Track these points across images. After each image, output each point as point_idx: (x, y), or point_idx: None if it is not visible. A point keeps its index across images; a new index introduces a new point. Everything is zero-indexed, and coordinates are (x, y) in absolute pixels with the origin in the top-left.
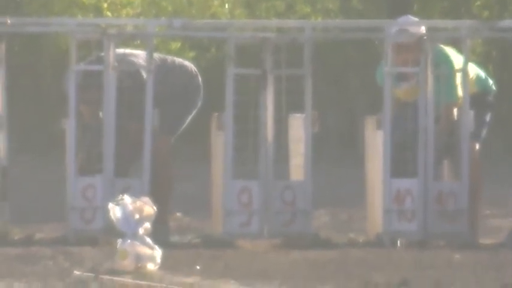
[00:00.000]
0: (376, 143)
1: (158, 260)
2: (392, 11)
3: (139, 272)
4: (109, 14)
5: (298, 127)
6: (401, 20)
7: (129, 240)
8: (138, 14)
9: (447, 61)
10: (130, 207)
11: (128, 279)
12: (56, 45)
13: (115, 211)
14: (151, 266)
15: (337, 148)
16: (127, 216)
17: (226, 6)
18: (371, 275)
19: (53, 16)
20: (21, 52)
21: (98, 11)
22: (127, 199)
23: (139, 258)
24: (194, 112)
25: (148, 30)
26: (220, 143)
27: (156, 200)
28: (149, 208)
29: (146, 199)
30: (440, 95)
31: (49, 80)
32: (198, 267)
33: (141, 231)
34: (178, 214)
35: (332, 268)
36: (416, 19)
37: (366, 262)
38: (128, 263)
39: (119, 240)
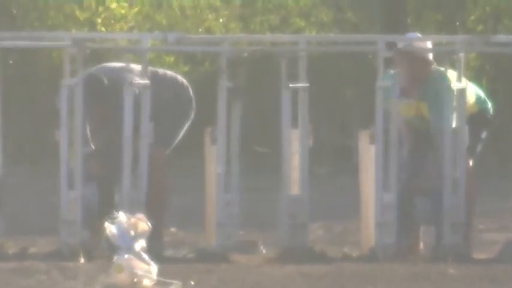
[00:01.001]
0: (369, 156)
1: (154, 276)
2: (386, 24)
3: (135, 287)
4: (103, 29)
5: (293, 141)
6: (408, 37)
7: (125, 255)
8: (132, 27)
9: (446, 85)
10: (125, 224)
11: None
12: (50, 58)
13: (111, 229)
14: (147, 282)
15: (332, 161)
16: (122, 232)
17: (221, 20)
18: None
19: (47, 30)
20: (16, 64)
21: (92, 26)
22: (122, 216)
23: (135, 274)
24: (187, 124)
25: (143, 44)
26: (214, 156)
27: (151, 214)
28: (144, 224)
29: (141, 216)
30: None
31: (43, 92)
32: (192, 282)
33: (137, 247)
34: (172, 229)
35: (326, 282)
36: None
37: (360, 276)
38: (123, 278)
39: (116, 256)
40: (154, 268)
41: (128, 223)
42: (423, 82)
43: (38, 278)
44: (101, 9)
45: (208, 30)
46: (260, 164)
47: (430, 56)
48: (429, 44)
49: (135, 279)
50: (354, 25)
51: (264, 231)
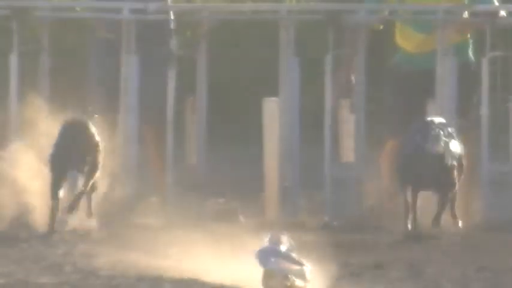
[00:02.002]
0: (349, 125)
1: (308, 276)
2: None
3: None
4: None
5: (273, 111)
6: None
7: (272, 259)
8: None
9: None
10: (266, 240)
11: None
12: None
13: (256, 255)
14: (300, 283)
15: (312, 130)
16: (265, 245)
17: None
18: (346, 258)
19: None
20: None
21: None
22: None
23: (287, 277)
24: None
25: (124, 13)
26: (195, 126)
27: None
28: (285, 239)
29: (283, 232)
30: None
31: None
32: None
33: (283, 248)
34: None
35: (306, 251)
36: None
37: (340, 245)
38: (275, 283)
39: (263, 262)
40: (307, 268)
41: (269, 239)
42: None
43: (19, 247)
44: None
45: (189, 0)
46: (242, 134)
47: None
48: None
49: (289, 283)
50: None
51: (244, 200)
